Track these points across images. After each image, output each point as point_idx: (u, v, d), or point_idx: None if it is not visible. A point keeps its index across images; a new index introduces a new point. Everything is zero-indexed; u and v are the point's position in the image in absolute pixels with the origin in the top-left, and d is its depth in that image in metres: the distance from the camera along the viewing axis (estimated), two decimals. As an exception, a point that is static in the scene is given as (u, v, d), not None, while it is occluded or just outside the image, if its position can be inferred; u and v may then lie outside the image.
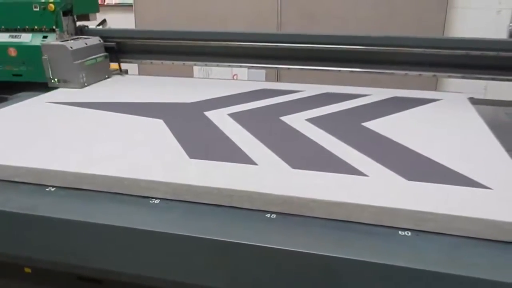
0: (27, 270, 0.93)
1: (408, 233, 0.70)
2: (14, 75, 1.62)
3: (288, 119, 1.16)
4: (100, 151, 0.94)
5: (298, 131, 1.07)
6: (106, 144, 0.99)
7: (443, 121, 1.15)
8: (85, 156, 0.92)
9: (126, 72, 1.81)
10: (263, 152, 0.94)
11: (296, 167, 0.86)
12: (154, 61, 1.78)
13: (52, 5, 1.58)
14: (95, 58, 1.62)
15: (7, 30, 1.63)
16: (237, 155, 0.92)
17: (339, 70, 1.57)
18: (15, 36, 1.62)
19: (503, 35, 2.70)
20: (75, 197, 0.84)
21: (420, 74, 1.49)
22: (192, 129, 1.09)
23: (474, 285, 0.61)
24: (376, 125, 1.11)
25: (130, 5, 3.89)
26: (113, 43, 1.73)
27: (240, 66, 1.72)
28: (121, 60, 1.78)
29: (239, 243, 0.69)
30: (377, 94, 1.40)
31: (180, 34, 1.72)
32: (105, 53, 1.69)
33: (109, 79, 1.68)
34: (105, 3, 4.38)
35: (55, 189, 0.86)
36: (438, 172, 0.84)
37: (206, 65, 1.78)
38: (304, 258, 0.67)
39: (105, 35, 1.73)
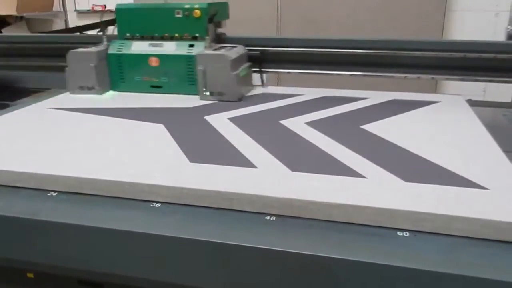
0: (30, 275, 0.94)
1: (406, 234, 0.71)
2: (152, 86, 1.51)
3: (287, 122, 1.17)
4: (101, 156, 0.95)
5: (297, 134, 1.08)
6: (107, 149, 1.00)
7: (441, 123, 1.16)
8: (86, 161, 0.93)
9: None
10: (263, 155, 0.95)
11: (295, 170, 0.87)
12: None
13: (198, 11, 1.46)
14: (245, 69, 1.49)
15: (142, 38, 1.53)
16: (237, 159, 0.93)
17: (339, 74, 1.58)
18: (156, 45, 1.50)
19: (501, 37, 2.72)
20: (77, 201, 0.84)
21: (418, 77, 1.49)
22: (192, 133, 1.11)
23: (471, 284, 0.61)
24: (374, 127, 1.12)
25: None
26: (257, 52, 1.57)
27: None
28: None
29: (238, 245, 0.70)
30: (376, 97, 1.41)
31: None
32: (249, 63, 1.55)
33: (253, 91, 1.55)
34: (106, 9, 4.40)
35: (57, 194, 0.87)
36: (436, 173, 0.85)
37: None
38: (304, 259, 0.67)
39: (247, 43, 1.59)
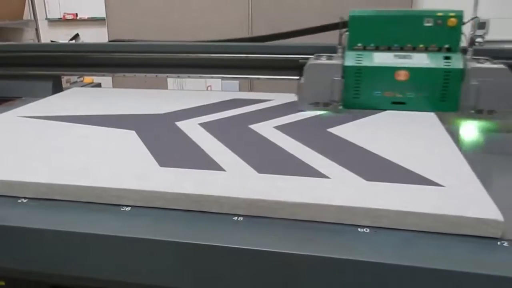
0: (1, 282, 0.94)
1: (366, 230, 0.74)
2: (394, 102, 1.34)
3: (256, 127, 1.20)
4: (72, 162, 0.97)
5: (265, 138, 1.11)
6: (78, 155, 1.01)
7: (403, 124, 1.21)
8: (57, 167, 0.94)
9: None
10: (231, 158, 0.97)
11: (262, 171, 0.90)
12: (127, 74, 1.81)
13: (454, 20, 1.31)
14: None
15: (376, 49, 1.38)
16: (206, 162, 0.95)
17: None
18: (404, 57, 1.34)
19: (464, 43, 2.82)
20: (48, 207, 0.85)
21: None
22: (163, 139, 1.13)
23: (425, 275, 0.65)
24: (340, 130, 1.16)
25: (102, 19, 3.91)
26: None
27: (212, 77, 1.77)
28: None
29: (206, 245, 0.72)
30: (343, 101, 1.45)
31: (152, 47, 1.75)
32: None
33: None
34: (78, 18, 4.38)
35: (27, 200, 0.88)
36: (396, 172, 0.89)
37: (178, 76, 1.82)
38: (268, 256, 0.70)
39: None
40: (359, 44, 1.40)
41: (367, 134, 1.14)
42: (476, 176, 0.85)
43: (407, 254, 0.68)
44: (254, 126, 1.21)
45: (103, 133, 1.17)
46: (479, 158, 1.04)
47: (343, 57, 1.39)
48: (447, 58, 1.32)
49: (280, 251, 0.70)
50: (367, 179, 0.85)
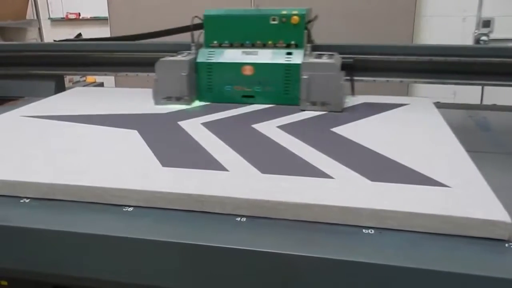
0: (3, 282, 0.93)
1: (371, 231, 0.73)
2: (244, 96, 1.44)
3: (259, 126, 1.19)
4: (74, 162, 0.96)
5: (268, 138, 1.10)
6: (80, 155, 1.00)
7: (408, 124, 1.20)
8: (59, 167, 0.94)
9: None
10: (234, 158, 0.97)
11: (265, 171, 0.89)
12: (129, 74, 1.80)
13: (296, 18, 1.39)
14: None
15: (231, 46, 1.48)
16: (209, 162, 0.95)
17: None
18: (250, 53, 1.44)
19: (469, 41, 2.81)
20: (50, 207, 0.85)
21: (387, 80, 1.54)
22: (166, 138, 1.12)
23: (431, 277, 0.64)
24: (344, 130, 1.15)
25: (105, 19, 3.91)
26: (351, 60, 1.52)
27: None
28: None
29: (209, 246, 0.72)
30: (347, 100, 1.44)
31: (154, 46, 1.74)
32: (343, 71, 1.41)
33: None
34: (81, 17, 4.38)
35: (29, 200, 0.87)
36: (401, 173, 0.88)
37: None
38: (271, 258, 0.69)
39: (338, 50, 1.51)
40: (215, 42, 1.49)
41: (370, 133, 1.13)
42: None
43: (413, 256, 0.67)
44: (257, 126, 1.20)
45: (105, 133, 1.17)
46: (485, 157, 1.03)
47: (196, 54, 1.47)
48: (289, 54, 1.40)
49: (284, 252, 0.69)
50: (372, 180, 0.84)
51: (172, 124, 1.23)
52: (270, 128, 1.17)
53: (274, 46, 1.44)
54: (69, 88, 1.76)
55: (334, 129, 1.16)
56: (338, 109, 1.33)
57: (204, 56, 1.47)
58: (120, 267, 0.78)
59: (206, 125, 1.21)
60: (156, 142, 1.08)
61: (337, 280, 0.68)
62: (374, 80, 1.55)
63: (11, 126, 1.25)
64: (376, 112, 1.30)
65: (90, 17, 4.37)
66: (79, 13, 4.41)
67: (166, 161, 0.95)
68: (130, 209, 0.83)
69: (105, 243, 0.76)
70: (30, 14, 4.36)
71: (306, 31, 1.44)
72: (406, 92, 3.15)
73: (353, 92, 1.53)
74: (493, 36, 2.59)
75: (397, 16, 3.11)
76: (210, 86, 1.46)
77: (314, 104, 1.34)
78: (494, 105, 1.59)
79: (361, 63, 1.54)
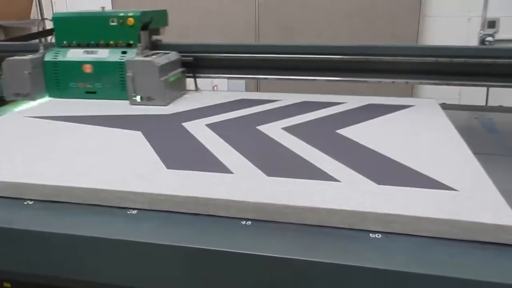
0: (7, 284, 0.93)
1: (378, 235, 0.72)
2: (87, 92, 1.55)
3: (264, 128, 1.18)
4: (78, 164, 0.95)
5: (274, 140, 1.09)
6: (84, 156, 1.00)
7: (414, 126, 1.19)
8: (63, 169, 0.93)
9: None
10: (239, 161, 0.96)
11: (271, 174, 0.88)
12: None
13: (131, 19, 1.51)
14: (176, 74, 1.54)
15: (78, 46, 1.58)
16: (214, 165, 0.94)
17: (315, 79, 1.60)
18: (91, 52, 1.55)
19: (474, 42, 2.79)
20: (53, 210, 0.84)
21: (393, 82, 1.53)
22: (170, 140, 1.11)
23: (440, 283, 0.63)
24: (350, 132, 1.14)
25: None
26: (190, 58, 1.62)
27: (219, 77, 1.75)
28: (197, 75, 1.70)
29: (214, 250, 0.71)
30: (352, 102, 1.43)
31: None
32: (183, 69, 1.61)
33: (186, 95, 1.61)
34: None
35: (33, 203, 0.87)
36: (408, 176, 0.87)
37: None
38: (277, 262, 0.69)
39: (181, 49, 1.64)
40: (65, 42, 1.60)
41: (376, 135, 1.12)
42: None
43: (421, 261, 0.66)
44: (262, 127, 1.19)
45: (109, 134, 1.16)
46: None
47: (44, 54, 1.58)
48: (124, 52, 1.53)
49: (289, 257, 0.69)
50: (379, 183, 0.83)
51: (176, 125, 1.23)
52: (275, 130, 1.17)
53: (116, 46, 1.56)
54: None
55: (340, 131, 1.15)
56: (163, 103, 1.44)
57: (51, 55, 1.58)
58: (123, 271, 0.77)
59: (211, 126, 1.21)
60: (161, 143, 1.07)
61: (344, 286, 0.67)
62: (379, 81, 1.54)
63: (14, 127, 1.25)
64: (382, 114, 1.29)
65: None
66: (83, 13, 4.41)
67: (171, 163, 0.95)
68: (134, 212, 0.82)
69: (108, 246, 0.76)
70: (34, 13, 4.36)
71: (145, 32, 1.56)
72: (411, 93, 3.14)
73: (196, 88, 1.67)
74: (498, 36, 2.58)
75: (402, 16, 3.10)
76: (57, 83, 1.58)
77: (141, 99, 1.45)
78: (501, 106, 1.58)
79: (203, 61, 1.66)
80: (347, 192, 0.80)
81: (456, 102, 2.89)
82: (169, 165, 0.94)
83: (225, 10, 3.40)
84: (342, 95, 1.52)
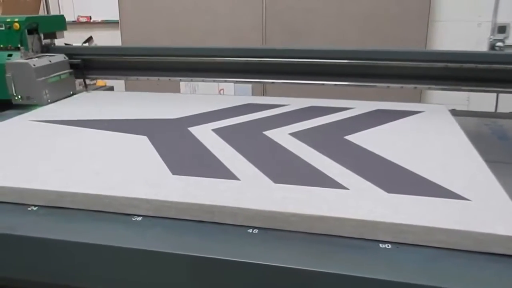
0: (9, 291, 0.92)
1: (388, 246, 0.71)
2: None
3: (271, 133, 1.17)
4: (82, 169, 0.94)
5: (281, 146, 1.08)
6: (89, 161, 0.99)
7: (424, 133, 1.17)
8: (68, 174, 0.92)
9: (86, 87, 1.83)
10: (246, 167, 0.94)
11: (278, 181, 0.86)
12: (140, 78, 1.79)
13: (17, 24, 1.62)
14: (59, 75, 1.65)
15: None
16: (220, 171, 0.92)
17: (323, 84, 1.58)
18: None
19: (484, 47, 2.76)
20: (57, 216, 0.83)
21: (402, 87, 1.51)
22: (175, 145, 1.10)
23: (452, 296, 0.61)
24: (358, 138, 1.13)
25: (116, 22, 3.91)
26: (78, 60, 1.75)
27: (225, 81, 1.74)
28: (89, 76, 1.84)
29: (220, 259, 0.69)
30: (360, 107, 1.42)
31: (165, 50, 1.73)
32: (70, 70, 1.72)
33: (75, 96, 1.70)
34: (92, 21, 4.39)
35: (37, 208, 0.86)
36: (418, 184, 0.85)
37: (191, 80, 1.79)
38: (284, 273, 0.67)
39: (72, 52, 1.77)
40: None
41: (385, 142, 1.10)
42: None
43: (432, 273, 0.64)
44: (268, 133, 1.18)
45: (114, 139, 1.15)
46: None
47: None
48: (9, 55, 1.61)
49: (297, 267, 0.67)
50: (388, 191, 0.81)
51: (182, 130, 1.21)
52: (282, 135, 1.15)
53: (6, 49, 1.65)
54: (80, 91, 1.75)
55: (348, 137, 1.13)
56: (42, 103, 1.54)
57: None
58: (127, 279, 0.76)
59: (217, 131, 1.19)
60: (166, 148, 1.06)
61: (353, 297, 0.65)
62: (388, 86, 1.52)
63: (19, 131, 1.24)
64: (391, 120, 1.27)
65: (101, 21, 4.38)
66: (90, 17, 4.42)
67: (176, 169, 0.93)
68: (139, 218, 0.81)
69: (112, 254, 0.74)
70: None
71: (33, 36, 1.69)
72: (419, 98, 3.11)
73: (86, 88, 1.79)
74: (508, 42, 2.55)
75: (411, 21, 3.08)
76: None
77: (22, 99, 1.56)
78: (511, 113, 1.55)
79: (92, 63, 1.79)
80: (356, 200, 0.78)
81: (464, 108, 2.87)
82: (174, 171, 0.92)
83: (232, 14, 3.39)
84: (350, 100, 1.50)
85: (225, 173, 0.91)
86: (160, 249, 0.72)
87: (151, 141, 1.11)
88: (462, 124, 1.23)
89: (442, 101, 1.64)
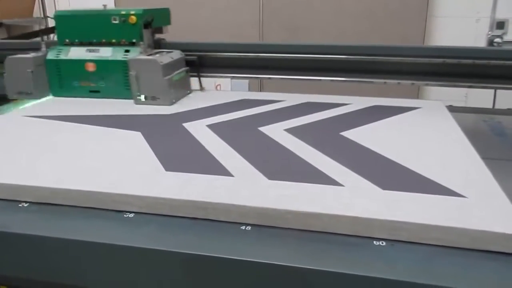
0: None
1: (383, 243, 0.70)
2: (91, 91, 1.53)
3: (266, 129, 1.16)
4: (75, 165, 0.93)
5: (276, 142, 1.07)
6: (81, 158, 0.98)
7: (421, 129, 1.16)
8: (59, 170, 0.91)
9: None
10: (240, 163, 0.93)
11: (272, 178, 0.85)
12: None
13: (133, 17, 1.49)
14: (180, 73, 1.51)
15: (81, 44, 1.55)
16: (214, 167, 0.91)
17: (320, 80, 1.57)
18: (93, 50, 1.53)
19: (482, 43, 2.74)
20: (49, 212, 0.82)
21: (399, 83, 1.50)
22: (169, 141, 1.09)
23: (447, 295, 0.60)
24: (354, 134, 1.11)
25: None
26: (194, 57, 1.60)
27: (222, 77, 1.72)
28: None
29: (213, 257, 0.68)
30: (357, 103, 1.41)
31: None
32: (187, 68, 1.58)
33: (190, 95, 1.59)
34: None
35: (28, 205, 0.85)
36: (414, 181, 0.84)
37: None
38: (278, 270, 0.66)
39: (185, 48, 1.62)
40: (67, 40, 1.57)
41: (381, 138, 1.09)
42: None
43: (427, 271, 0.63)
44: (264, 129, 1.16)
45: (108, 135, 1.14)
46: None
47: (46, 52, 1.56)
48: (127, 51, 1.50)
49: (291, 264, 0.66)
50: (384, 188, 0.80)
51: (177, 125, 1.20)
52: (277, 131, 1.14)
53: (118, 44, 1.53)
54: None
55: (344, 133, 1.12)
56: (166, 103, 1.41)
57: (53, 53, 1.55)
58: (119, 276, 0.75)
59: (212, 127, 1.18)
60: (160, 144, 1.05)
61: (346, 295, 0.64)
62: (385, 82, 1.51)
63: (12, 127, 1.23)
64: (387, 116, 1.26)
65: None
66: (87, 11, 4.39)
67: (170, 165, 0.92)
68: (131, 215, 0.80)
69: (103, 251, 0.73)
70: (36, 11, 4.34)
71: (148, 30, 1.54)
72: (417, 94, 3.10)
73: (201, 88, 1.63)
74: (507, 38, 2.53)
75: (409, 17, 3.06)
76: (60, 82, 1.55)
77: (146, 99, 1.42)
78: (509, 109, 1.54)
79: (207, 60, 1.63)
80: (351, 197, 0.77)
81: (462, 104, 2.85)
82: (168, 167, 0.91)
83: (229, 10, 3.36)
84: (347, 96, 1.49)
85: (219, 170, 0.90)
86: (153, 247, 0.71)
87: (144, 137, 1.10)
88: (459, 120, 1.22)
89: (440, 97, 1.63)
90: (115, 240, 0.73)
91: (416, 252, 0.67)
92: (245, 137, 1.11)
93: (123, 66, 1.47)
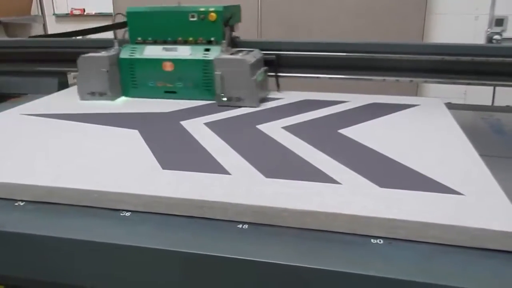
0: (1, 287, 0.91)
1: (380, 241, 0.69)
2: (166, 92, 1.45)
3: (264, 127, 1.15)
4: (71, 164, 0.93)
5: (273, 139, 1.06)
6: (77, 156, 0.97)
7: (419, 126, 1.16)
8: (55, 169, 0.90)
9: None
10: (237, 161, 0.93)
11: (269, 176, 0.85)
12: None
13: (214, 15, 1.40)
14: (261, 73, 1.42)
15: (154, 42, 1.48)
16: (211, 165, 0.91)
17: (318, 77, 1.57)
18: (170, 49, 1.45)
19: (481, 40, 2.74)
20: (45, 211, 0.82)
21: (397, 80, 1.49)
22: (167, 139, 1.08)
23: (445, 293, 0.60)
24: (352, 132, 1.11)
25: (110, 15, 3.88)
26: (273, 56, 1.51)
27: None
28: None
29: (210, 255, 0.68)
30: (355, 100, 1.40)
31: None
32: (265, 67, 1.49)
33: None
34: (85, 13, 4.36)
35: (24, 204, 0.84)
36: (412, 179, 0.83)
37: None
38: (275, 269, 0.66)
39: (261, 47, 1.53)
40: (139, 38, 1.49)
41: (380, 136, 1.08)
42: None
43: (425, 269, 0.63)
44: (261, 126, 1.16)
45: (105, 133, 1.13)
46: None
47: (119, 50, 1.49)
48: (207, 50, 1.41)
49: (288, 263, 0.65)
50: (381, 186, 0.80)
51: (174, 123, 1.20)
52: (275, 129, 1.13)
53: (195, 43, 1.45)
54: (73, 85, 1.73)
55: (342, 131, 1.12)
56: (253, 104, 1.34)
57: (127, 52, 1.48)
58: (115, 275, 0.74)
59: (209, 125, 1.17)
60: (157, 143, 1.04)
61: (344, 294, 0.64)
62: (384, 80, 1.50)
63: (10, 125, 1.22)
64: (386, 113, 1.26)
65: (95, 13, 4.35)
66: (84, 9, 4.39)
67: (167, 163, 0.92)
68: (128, 214, 0.79)
69: (100, 250, 0.73)
70: (34, 9, 4.34)
71: (227, 28, 1.44)
72: (416, 92, 3.10)
73: (278, 88, 1.54)
74: (506, 35, 2.53)
75: (408, 14, 3.06)
76: (134, 82, 1.48)
77: (230, 100, 1.35)
78: (508, 106, 1.54)
79: (286, 60, 1.53)
80: (348, 195, 0.77)
81: (461, 101, 2.86)
82: (165, 166, 0.91)
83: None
84: (345, 93, 1.48)
85: (216, 168, 0.90)
86: (149, 245, 0.71)
87: (142, 135, 1.10)
88: (458, 117, 1.21)
89: (439, 94, 1.63)
90: (111, 238, 0.73)
91: (414, 250, 0.67)
92: (243, 135, 1.11)
93: (204, 66, 1.40)
